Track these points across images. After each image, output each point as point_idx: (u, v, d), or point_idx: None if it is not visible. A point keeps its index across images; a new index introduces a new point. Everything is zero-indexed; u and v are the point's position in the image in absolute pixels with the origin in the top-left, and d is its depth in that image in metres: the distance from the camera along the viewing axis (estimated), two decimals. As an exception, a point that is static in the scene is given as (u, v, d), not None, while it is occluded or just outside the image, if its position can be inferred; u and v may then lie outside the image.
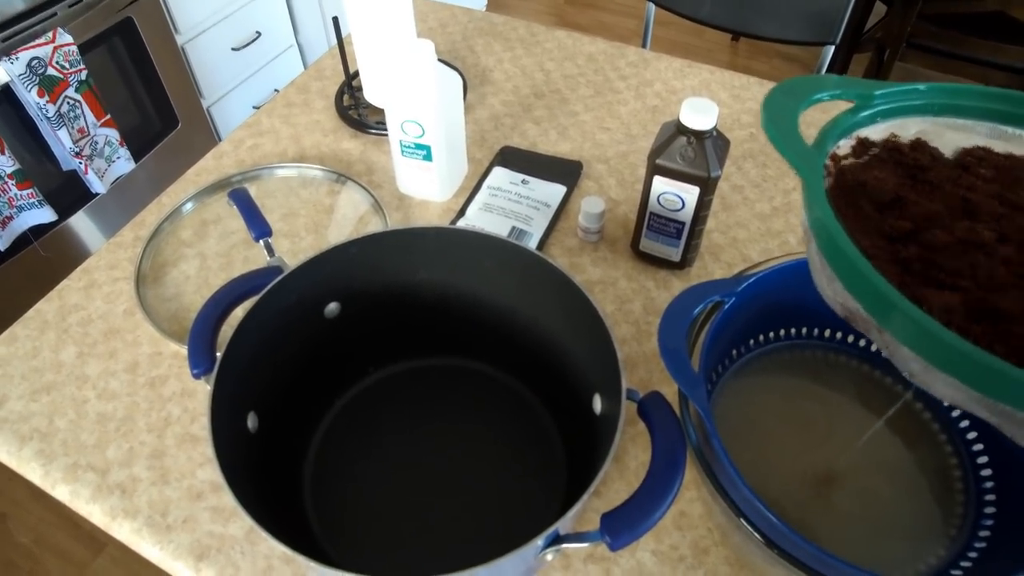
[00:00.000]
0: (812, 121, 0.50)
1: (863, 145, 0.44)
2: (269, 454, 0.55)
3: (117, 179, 1.58)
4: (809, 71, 2.50)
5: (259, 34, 1.89)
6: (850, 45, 2.17)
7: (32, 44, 1.30)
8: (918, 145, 0.44)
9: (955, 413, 0.61)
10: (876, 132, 0.45)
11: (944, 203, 0.40)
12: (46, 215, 1.43)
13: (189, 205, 0.84)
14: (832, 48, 1.29)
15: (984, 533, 0.54)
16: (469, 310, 0.63)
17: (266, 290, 0.54)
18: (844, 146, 0.44)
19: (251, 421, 0.54)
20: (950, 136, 0.45)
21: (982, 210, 0.39)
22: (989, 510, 0.55)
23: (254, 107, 1.99)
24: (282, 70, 2.04)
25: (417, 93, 0.73)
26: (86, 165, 1.47)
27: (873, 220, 0.39)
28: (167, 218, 0.82)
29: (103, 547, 1.44)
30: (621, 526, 0.42)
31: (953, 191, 0.40)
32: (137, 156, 1.63)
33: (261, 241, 0.66)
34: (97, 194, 1.57)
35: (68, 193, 1.53)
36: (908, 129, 0.45)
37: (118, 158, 1.56)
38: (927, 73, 2.08)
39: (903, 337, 0.33)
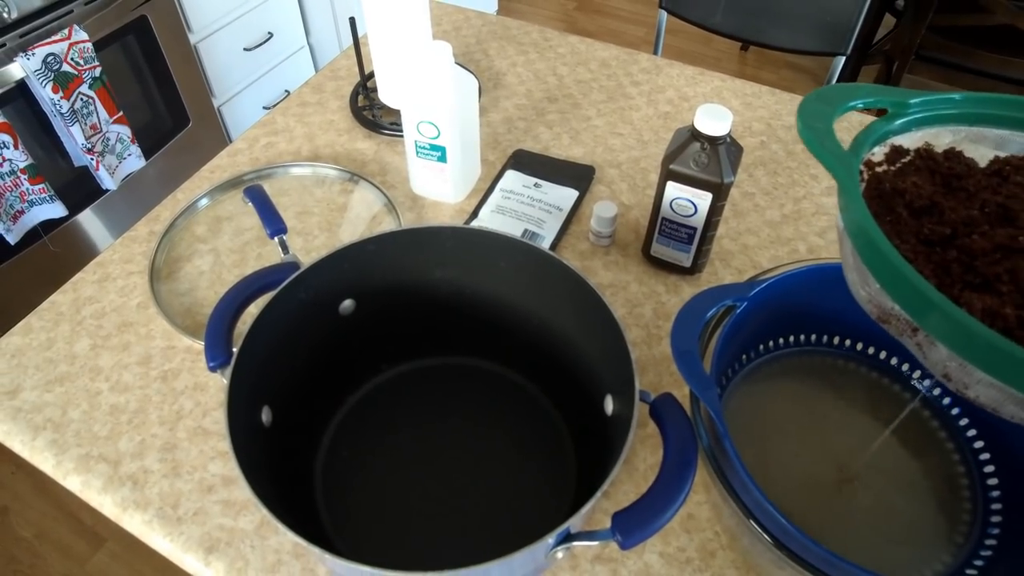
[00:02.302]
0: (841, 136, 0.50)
1: (897, 152, 0.44)
2: (282, 448, 0.56)
3: (127, 176, 1.59)
4: (818, 82, 2.51)
5: (271, 35, 1.90)
6: (859, 56, 2.18)
7: (48, 40, 1.31)
8: (952, 154, 0.44)
9: (963, 422, 0.61)
10: (910, 140, 0.45)
11: (981, 210, 0.40)
12: (57, 210, 1.44)
13: (204, 201, 0.85)
14: (842, 59, 1.30)
15: (991, 541, 0.54)
16: (482, 310, 0.63)
17: (283, 285, 0.54)
18: (878, 153, 0.44)
19: (265, 415, 0.54)
20: (984, 145, 0.45)
21: (1021, 217, 0.39)
22: (995, 518, 0.55)
23: (264, 107, 2.00)
24: (293, 71, 2.05)
25: (434, 94, 0.74)
26: (97, 161, 1.48)
27: (909, 224, 0.39)
28: (182, 214, 0.83)
29: (103, 542, 1.45)
30: (633, 524, 0.42)
31: (991, 198, 0.40)
32: (148, 154, 1.64)
33: (276, 238, 0.67)
34: (107, 190, 1.58)
35: (78, 189, 1.54)
36: (942, 138, 0.45)
37: (129, 155, 1.57)
38: (936, 85, 2.08)
39: (944, 337, 0.33)
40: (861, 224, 0.37)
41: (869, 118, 0.46)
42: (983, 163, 0.45)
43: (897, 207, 0.41)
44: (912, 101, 0.45)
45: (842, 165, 0.40)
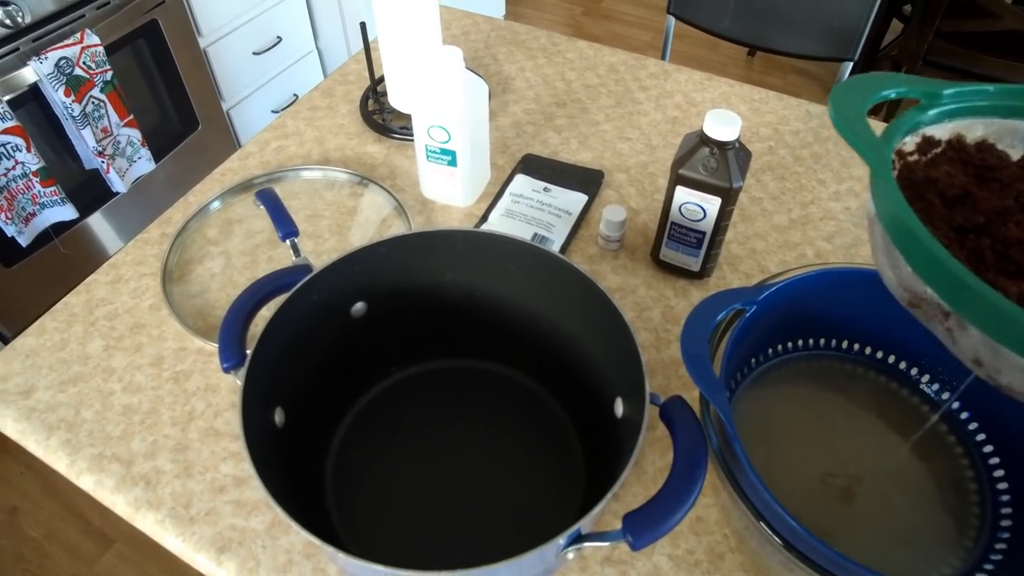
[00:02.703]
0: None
1: (928, 143, 0.44)
2: (293, 449, 0.56)
3: (137, 179, 1.61)
4: (825, 87, 2.51)
5: (280, 39, 1.91)
6: (866, 62, 2.18)
7: (61, 45, 1.32)
8: (984, 146, 0.44)
9: (972, 426, 0.61)
10: (942, 131, 0.44)
11: (1016, 200, 0.40)
12: (68, 212, 1.45)
13: (215, 204, 0.85)
14: (849, 64, 1.30)
15: (1000, 545, 0.54)
16: (493, 312, 0.64)
17: (296, 288, 0.55)
18: (910, 143, 0.44)
19: (278, 416, 0.55)
20: (1017, 138, 0.45)
21: None
22: (1005, 523, 0.55)
23: (273, 111, 2.01)
24: (301, 75, 2.06)
25: (445, 99, 0.75)
26: (108, 164, 1.49)
27: (941, 213, 0.39)
28: (193, 216, 0.83)
29: (111, 543, 1.45)
30: (643, 525, 0.43)
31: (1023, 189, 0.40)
32: (157, 157, 1.65)
33: (288, 241, 0.67)
34: (117, 193, 1.59)
35: (89, 192, 1.55)
36: (974, 130, 0.45)
37: (139, 158, 1.58)
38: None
39: (980, 321, 0.33)
40: (894, 208, 0.36)
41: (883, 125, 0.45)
42: (1016, 156, 0.44)
43: (929, 195, 0.40)
44: (945, 92, 0.44)
45: (874, 151, 0.40)
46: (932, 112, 0.45)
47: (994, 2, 1.71)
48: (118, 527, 1.47)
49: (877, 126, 0.85)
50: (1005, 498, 0.57)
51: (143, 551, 1.44)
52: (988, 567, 0.54)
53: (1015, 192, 0.41)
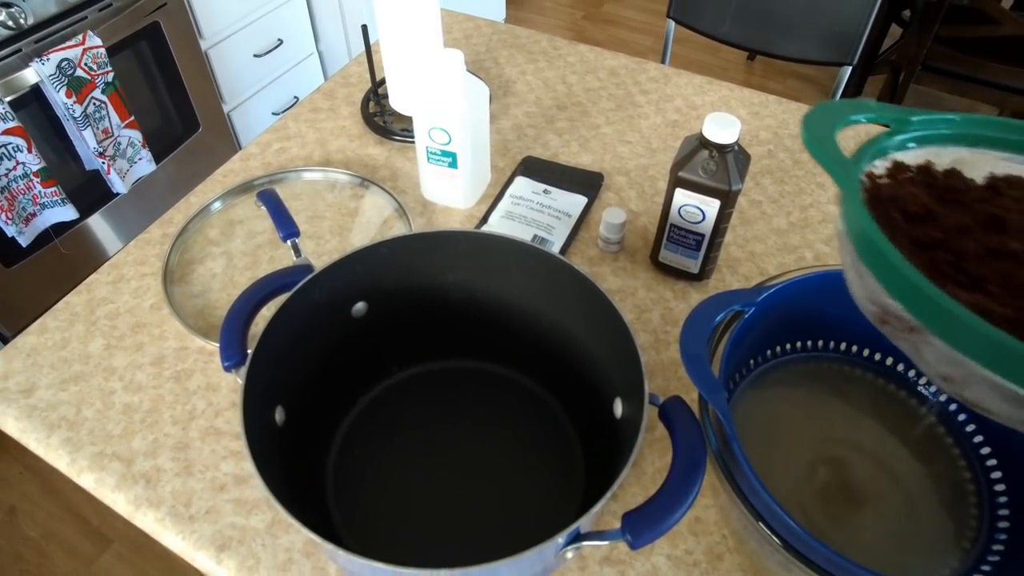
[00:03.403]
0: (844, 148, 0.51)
1: (899, 168, 0.45)
2: (294, 448, 0.57)
3: (138, 180, 1.61)
4: (824, 91, 2.52)
5: (281, 41, 1.92)
6: (865, 67, 2.19)
7: (63, 46, 1.33)
8: (952, 173, 0.45)
9: (969, 428, 0.61)
10: (911, 157, 0.46)
11: (974, 218, 0.41)
12: (68, 213, 1.46)
13: (217, 205, 0.86)
14: (848, 69, 1.31)
15: (998, 547, 0.55)
16: (493, 313, 0.64)
17: (298, 287, 0.55)
18: (880, 167, 0.45)
19: (279, 415, 0.55)
20: (984, 166, 0.46)
21: (1011, 226, 0.40)
22: (1003, 524, 0.56)
23: (273, 113, 2.02)
24: (302, 77, 2.06)
25: (446, 101, 0.75)
26: (108, 165, 1.49)
27: (903, 228, 0.40)
28: (195, 217, 0.84)
29: (110, 543, 1.45)
30: (643, 524, 0.43)
31: (983, 208, 0.42)
32: (158, 158, 1.65)
33: (289, 241, 0.68)
34: (117, 194, 1.60)
35: (89, 192, 1.56)
36: (943, 157, 0.46)
37: (140, 159, 1.58)
38: (943, 96, 2.09)
39: (936, 328, 0.34)
40: (859, 222, 0.38)
41: (878, 129, 0.47)
42: (981, 183, 0.46)
43: (893, 212, 0.42)
44: (913, 119, 0.46)
45: (840, 167, 0.41)
46: (900, 137, 0.46)
47: (993, 8, 1.71)
48: (116, 527, 1.47)
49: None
50: (1002, 499, 0.57)
51: (141, 551, 1.44)
52: (986, 568, 0.54)
53: (974, 212, 0.42)
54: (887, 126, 0.46)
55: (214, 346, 0.71)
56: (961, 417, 0.62)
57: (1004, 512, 0.56)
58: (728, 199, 0.68)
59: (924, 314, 0.35)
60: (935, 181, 0.45)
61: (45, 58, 1.30)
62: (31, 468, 1.56)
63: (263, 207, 0.70)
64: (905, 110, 0.47)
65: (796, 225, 0.84)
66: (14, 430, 0.67)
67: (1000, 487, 0.58)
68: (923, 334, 0.36)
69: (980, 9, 1.72)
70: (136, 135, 1.54)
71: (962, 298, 0.35)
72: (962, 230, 0.40)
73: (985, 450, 0.60)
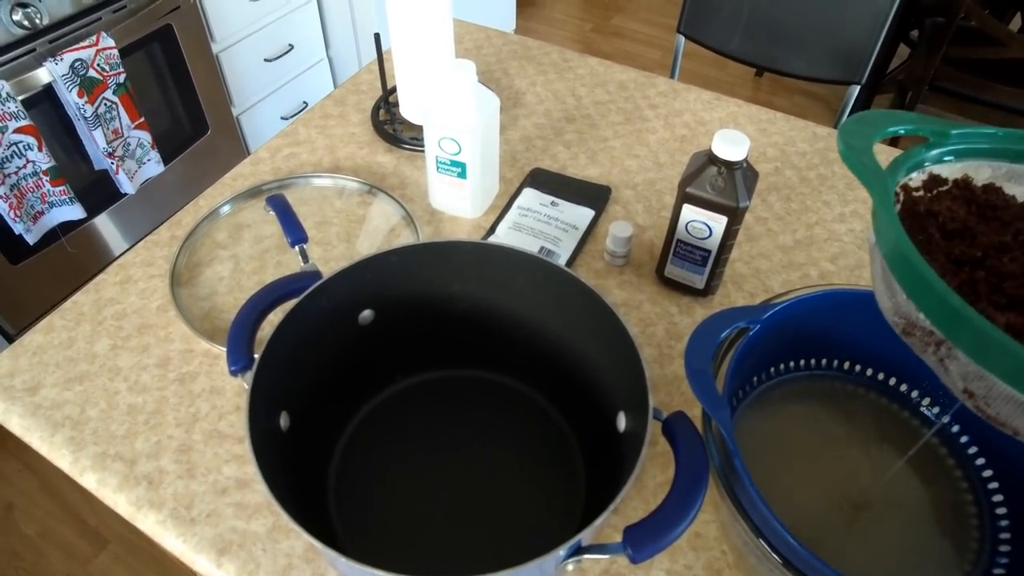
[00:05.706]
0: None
1: (935, 181, 0.45)
2: (297, 453, 0.57)
3: (146, 181, 1.62)
4: (830, 109, 2.53)
5: (292, 47, 1.93)
6: (872, 86, 2.20)
7: (76, 46, 1.34)
8: (991, 188, 0.45)
9: (972, 450, 0.61)
10: (948, 170, 0.46)
11: (1014, 238, 0.41)
12: (76, 212, 1.46)
13: (225, 208, 0.86)
14: (856, 88, 1.31)
15: (999, 571, 0.55)
16: (499, 324, 0.64)
17: (306, 293, 0.55)
18: (916, 179, 0.45)
19: (283, 420, 0.55)
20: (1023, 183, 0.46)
21: None
22: (1004, 548, 0.56)
23: (282, 118, 2.03)
24: (311, 83, 2.08)
25: (457, 111, 0.76)
26: (117, 165, 1.50)
27: (939, 245, 0.40)
28: (203, 220, 0.84)
29: (106, 544, 1.45)
30: (644, 538, 0.43)
31: (1022, 226, 0.41)
32: (166, 160, 1.66)
33: (296, 247, 0.68)
34: (125, 194, 1.60)
35: (97, 192, 1.56)
36: (982, 172, 0.46)
37: (148, 160, 1.59)
38: (949, 116, 2.09)
39: (966, 346, 0.34)
40: (893, 235, 0.37)
41: (896, 152, 0.46)
42: (1022, 199, 0.45)
43: (929, 228, 0.41)
44: (953, 132, 0.46)
45: (877, 180, 0.41)
46: (938, 151, 0.46)
47: (1000, 30, 1.72)
48: (113, 528, 1.47)
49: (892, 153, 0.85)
50: (1004, 523, 0.57)
51: (137, 553, 1.44)
52: (985, 591, 0.54)
53: (1014, 230, 0.42)
54: (925, 139, 0.46)
55: (219, 349, 0.72)
56: (963, 439, 0.62)
57: (1005, 536, 0.56)
58: (735, 216, 0.68)
59: (954, 331, 0.35)
60: (974, 196, 0.44)
61: (59, 58, 1.31)
62: (30, 466, 1.56)
63: (272, 212, 0.71)
64: (944, 123, 0.46)
65: (801, 243, 0.84)
66: (18, 428, 0.67)
67: (1002, 510, 0.58)
68: (950, 349, 0.36)
69: (987, 31, 1.73)
70: (146, 136, 1.55)
71: (997, 319, 0.35)
72: (1001, 248, 0.40)
73: (987, 472, 0.60)
